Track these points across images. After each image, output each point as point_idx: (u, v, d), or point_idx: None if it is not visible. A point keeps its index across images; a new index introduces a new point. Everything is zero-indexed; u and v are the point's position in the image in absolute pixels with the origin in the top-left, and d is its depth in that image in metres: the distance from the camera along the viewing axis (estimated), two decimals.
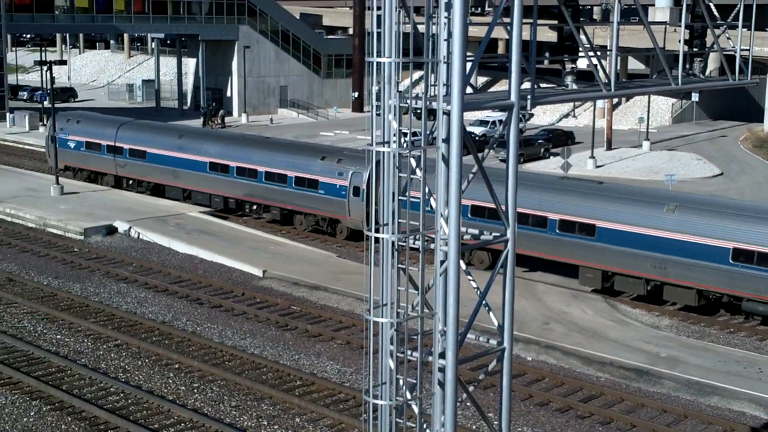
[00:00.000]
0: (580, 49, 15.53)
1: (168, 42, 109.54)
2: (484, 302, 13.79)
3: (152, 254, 40.79)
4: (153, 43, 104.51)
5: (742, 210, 33.29)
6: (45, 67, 53.27)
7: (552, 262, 37.31)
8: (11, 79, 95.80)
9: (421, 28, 13.72)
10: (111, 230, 43.91)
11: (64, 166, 56.14)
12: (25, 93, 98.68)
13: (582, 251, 35.62)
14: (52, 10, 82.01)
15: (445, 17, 13.23)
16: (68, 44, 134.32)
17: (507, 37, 13.99)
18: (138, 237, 43.22)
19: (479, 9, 16.75)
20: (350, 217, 42.83)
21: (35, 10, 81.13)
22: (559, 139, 70.46)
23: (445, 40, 13.23)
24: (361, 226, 42.22)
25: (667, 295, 34.29)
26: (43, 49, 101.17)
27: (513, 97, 13.71)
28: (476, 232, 14.34)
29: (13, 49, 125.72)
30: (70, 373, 27.35)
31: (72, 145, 55.31)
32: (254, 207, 47.25)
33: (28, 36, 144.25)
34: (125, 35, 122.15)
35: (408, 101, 13.26)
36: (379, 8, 13.11)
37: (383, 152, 13.11)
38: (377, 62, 13.13)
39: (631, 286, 34.89)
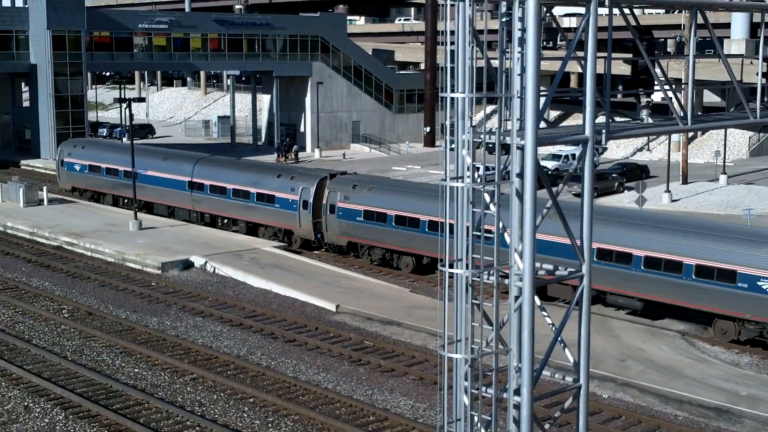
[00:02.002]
0: (656, 82, 15.40)
1: (243, 79, 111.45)
2: (559, 338, 13.66)
3: (227, 288, 41.26)
4: (228, 80, 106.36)
5: (605, 215, 37.64)
6: (124, 105, 54.70)
7: None
8: (91, 116, 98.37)
9: (494, 62, 13.76)
10: (188, 265, 44.58)
11: (71, 187, 63.00)
12: (105, 129, 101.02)
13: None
14: (131, 48, 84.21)
15: (519, 52, 13.25)
16: (146, 82, 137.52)
17: (580, 70, 13.95)
18: (214, 271, 43.79)
19: (551, 43, 16.77)
20: (300, 228, 47.79)
21: (115, 49, 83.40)
22: (634, 173, 69.60)
23: (518, 74, 13.25)
24: (309, 235, 47.52)
25: (550, 291, 37.58)
26: (122, 86, 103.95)
27: (587, 132, 13.65)
28: (551, 267, 14.24)
29: (94, 86, 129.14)
30: (148, 407, 27.72)
31: (77, 168, 61.76)
32: (225, 221, 52.28)
33: (108, 74, 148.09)
34: (201, 72, 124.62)
35: (481, 136, 13.28)
36: (452, 43, 13.19)
37: (457, 187, 13.13)
38: (451, 97, 13.19)
39: None
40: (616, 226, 36.24)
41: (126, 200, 58.39)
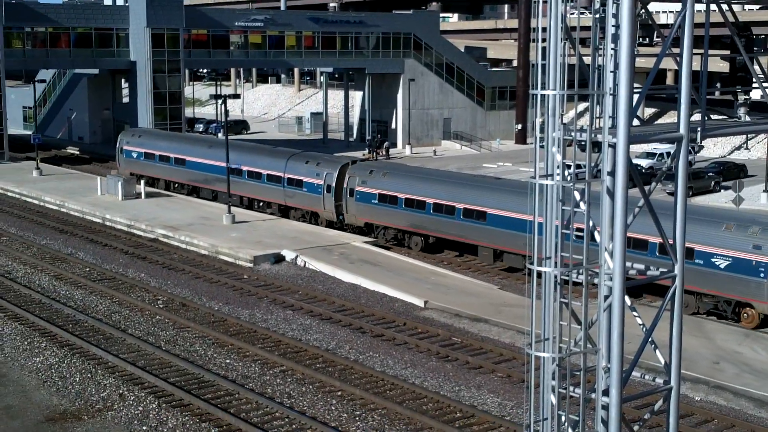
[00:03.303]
0: (754, 79, 15.04)
1: (336, 76, 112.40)
2: (650, 339, 13.45)
3: (317, 283, 41.69)
4: (321, 77, 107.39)
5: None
6: (220, 101, 55.86)
7: (459, 243, 46.13)
8: (188, 112, 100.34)
9: (586, 59, 13.62)
10: (279, 258, 45.18)
11: (129, 173, 66.65)
12: (201, 125, 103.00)
13: (478, 233, 44.22)
14: (227, 46, 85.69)
15: (612, 49, 13.09)
16: (242, 79, 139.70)
17: (676, 67, 13.71)
18: (304, 265, 44.29)
19: (647, 39, 16.51)
20: (325, 210, 51.59)
21: (211, 47, 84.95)
22: (731, 172, 67.93)
23: (611, 71, 13.10)
24: (332, 217, 51.34)
25: None
26: (218, 83, 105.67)
27: (682, 130, 13.41)
28: (642, 267, 14.03)
29: (191, 83, 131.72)
30: (238, 397, 28.21)
31: (135, 155, 67.12)
32: (261, 204, 56.48)
33: (205, 71, 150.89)
34: (295, 70, 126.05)
35: (572, 133, 13.16)
36: (544, 40, 13.11)
37: (546, 185, 13.05)
38: (542, 95, 13.11)
39: (514, 261, 42.76)
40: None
41: (176, 185, 63.94)
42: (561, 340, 13.06)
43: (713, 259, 35.00)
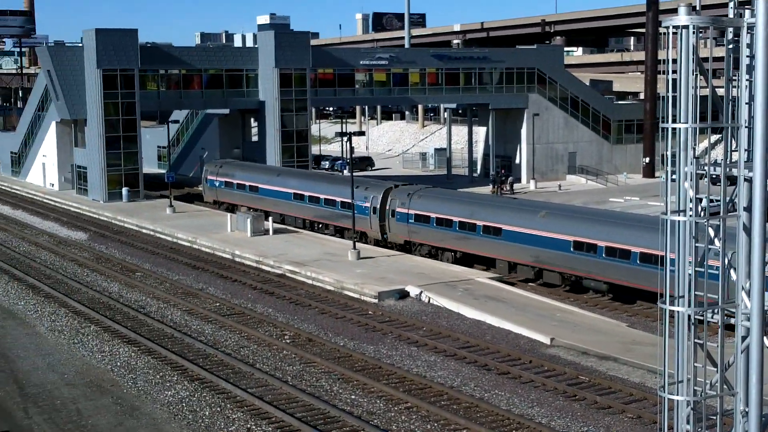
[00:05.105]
0: None
1: (459, 111, 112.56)
2: None
3: (441, 319, 41.54)
4: (445, 113, 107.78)
5: (581, 213, 47.81)
6: (345, 138, 56.81)
7: (480, 257, 50.45)
8: (314, 149, 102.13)
9: (719, 91, 13.23)
10: (403, 294, 45.25)
11: (212, 200, 75.41)
12: (327, 162, 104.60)
13: (495, 247, 48.70)
14: (352, 84, 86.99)
15: (747, 80, 12.69)
16: (367, 116, 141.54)
17: None
18: (428, 301, 44.21)
19: None
20: (371, 230, 57.11)
21: (337, 85, 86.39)
22: None
23: (746, 103, 12.68)
24: (377, 236, 56.74)
25: (545, 277, 46.32)
26: (343, 120, 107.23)
27: None
28: None
29: (317, 121, 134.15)
30: None
31: (217, 184, 74.23)
32: (320, 225, 62.93)
33: (331, 109, 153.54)
34: (419, 106, 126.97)
35: (705, 167, 12.77)
36: (674, 72, 12.79)
37: (678, 221, 12.66)
38: (672, 128, 12.78)
39: (526, 272, 47.28)
40: (593, 223, 44.49)
41: (249, 209, 68.58)
42: (695, 383, 12.58)
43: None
